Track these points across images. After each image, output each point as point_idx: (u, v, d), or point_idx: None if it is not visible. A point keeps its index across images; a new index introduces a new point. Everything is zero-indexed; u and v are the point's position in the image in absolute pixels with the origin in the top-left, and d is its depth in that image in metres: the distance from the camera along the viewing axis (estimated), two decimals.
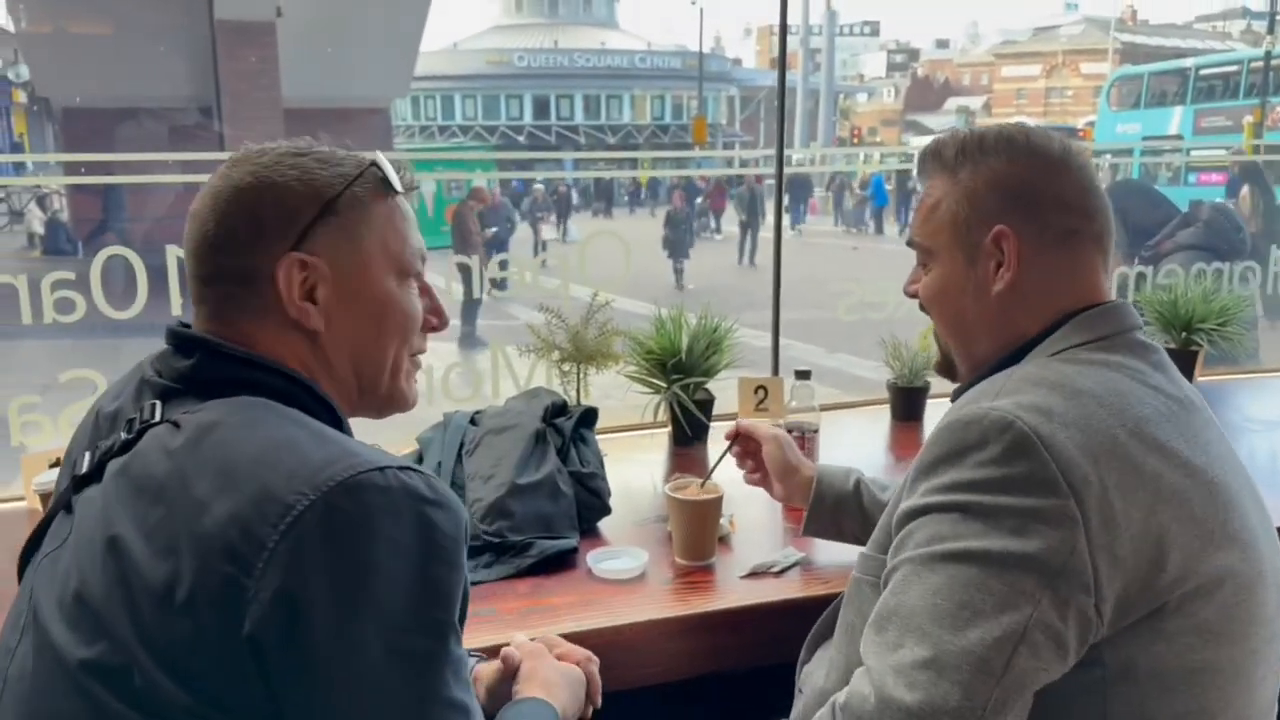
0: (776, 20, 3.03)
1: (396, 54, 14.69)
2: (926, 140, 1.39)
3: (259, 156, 1.01)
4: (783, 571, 1.65)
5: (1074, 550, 0.95)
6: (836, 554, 1.70)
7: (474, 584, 1.60)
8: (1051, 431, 0.99)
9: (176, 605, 0.79)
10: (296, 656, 0.78)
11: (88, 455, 0.96)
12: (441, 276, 2.91)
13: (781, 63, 3.13)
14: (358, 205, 1.01)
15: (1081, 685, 1.00)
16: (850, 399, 2.95)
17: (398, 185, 1.05)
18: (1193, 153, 13.28)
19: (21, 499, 2.01)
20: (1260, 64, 16.22)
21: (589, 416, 2.01)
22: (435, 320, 1.12)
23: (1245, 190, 5.25)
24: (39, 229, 14.70)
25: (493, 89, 44.34)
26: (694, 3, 44.88)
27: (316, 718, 0.80)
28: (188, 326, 1.00)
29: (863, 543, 1.63)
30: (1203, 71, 18.77)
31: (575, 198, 22.07)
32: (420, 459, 1.92)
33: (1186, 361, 2.72)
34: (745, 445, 1.78)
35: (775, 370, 2.85)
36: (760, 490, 1.79)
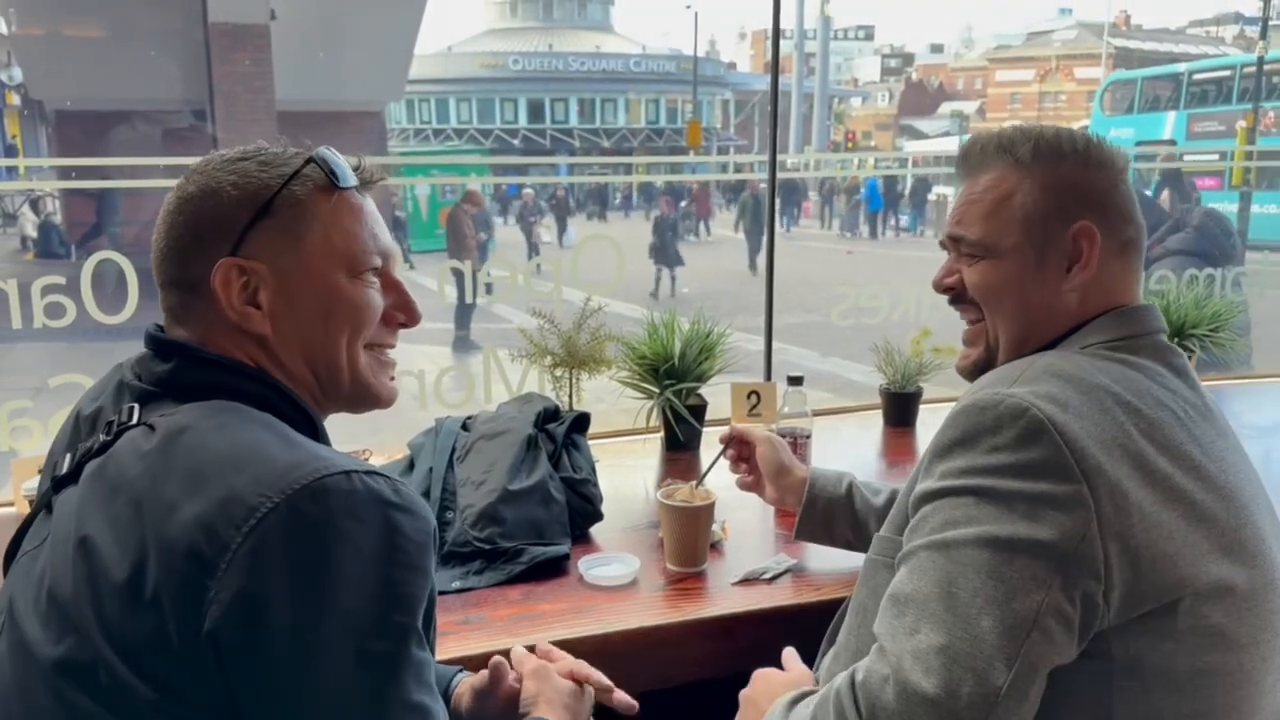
0: (770, 24, 3.04)
1: (391, 57, 14.69)
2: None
3: (207, 164, 1.02)
4: (774, 578, 1.65)
5: (1085, 536, 0.96)
6: (828, 561, 1.70)
7: (465, 590, 1.59)
8: (1065, 420, 1.00)
9: (141, 603, 0.80)
10: (255, 656, 0.79)
11: (68, 457, 0.97)
12: (433, 279, 2.91)
13: (774, 67, 3.13)
14: (297, 204, 1.00)
15: (1088, 677, 1.00)
16: (843, 404, 2.95)
17: (340, 181, 1.03)
18: (1186, 157, 13.31)
19: (11, 504, 2.00)
20: (1253, 69, 16.27)
21: (581, 422, 2.01)
22: (402, 316, 1.09)
23: (1165, 193, 5.55)
24: (32, 232, 14.67)
25: (487, 92, 44.36)
26: (689, 6, 44.96)
27: (275, 718, 0.80)
28: (165, 330, 1.02)
29: (854, 547, 1.64)
30: (1196, 76, 18.85)
31: (571, 203, 22.05)
32: (411, 464, 1.92)
33: None
34: (739, 449, 1.78)
35: (768, 375, 2.85)
36: (752, 497, 1.79)
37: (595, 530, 1.84)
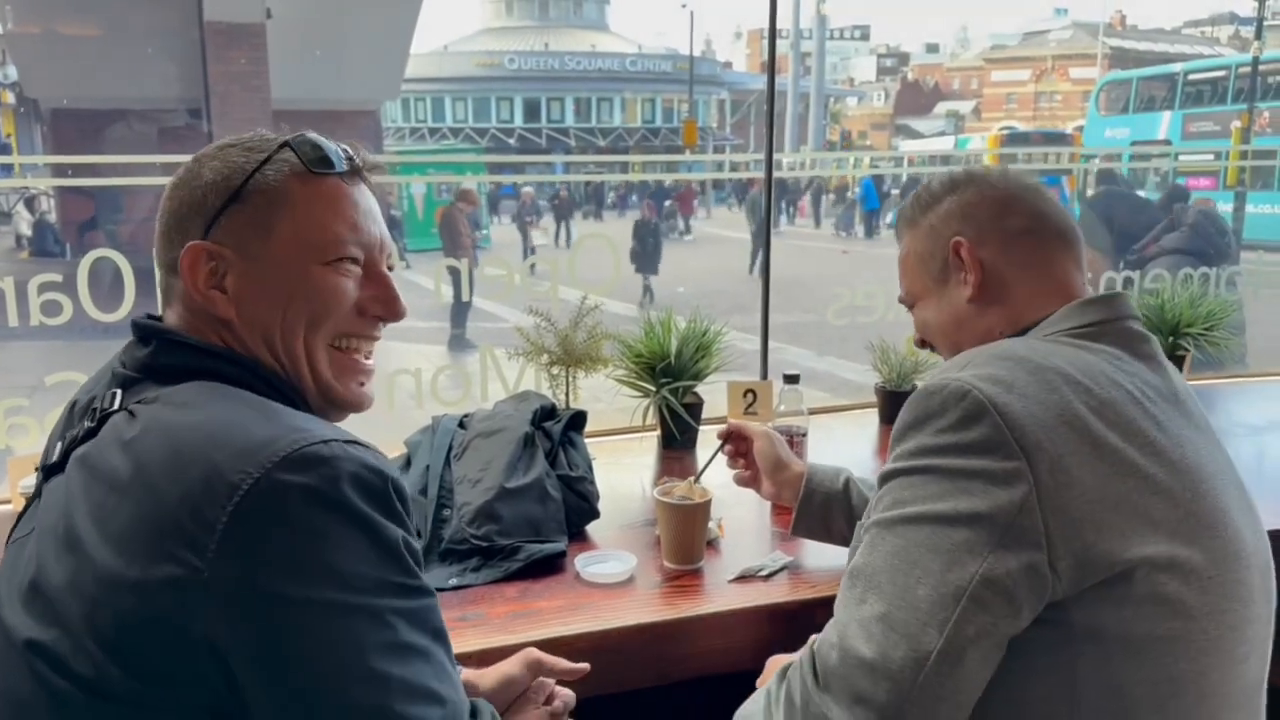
0: (766, 24, 3.04)
1: (386, 56, 14.67)
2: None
3: (205, 150, 1.04)
4: (771, 575, 1.65)
5: (1022, 508, 1.02)
6: (824, 558, 1.70)
7: (462, 588, 1.60)
8: (1007, 401, 1.06)
9: (127, 589, 0.80)
10: (251, 631, 0.79)
11: (58, 445, 0.97)
12: (429, 278, 2.91)
13: (771, 66, 3.14)
14: (268, 190, 1.00)
15: (1050, 646, 1.04)
16: (839, 402, 2.95)
17: (316, 166, 1.02)
18: (1181, 157, 13.34)
19: (8, 502, 2.00)
20: (1248, 69, 16.33)
21: (578, 420, 2.01)
22: (379, 309, 1.07)
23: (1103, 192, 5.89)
24: (26, 230, 14.64)
25: (483, 91, 44.36)
26: (684, 6, 44.94)
27: (277, 690, 0.80)
28: (153, 318, 1.04)
29: (850, 543, 1.64)
30: (1191, 77, 18.90)
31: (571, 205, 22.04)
32: (409, 462, 1.92)
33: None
34: (737, 444, 1.78)
35: (764, 374, 2.85)
36: (749, 494, 1.79)
37: (592, 528, 1.85)
